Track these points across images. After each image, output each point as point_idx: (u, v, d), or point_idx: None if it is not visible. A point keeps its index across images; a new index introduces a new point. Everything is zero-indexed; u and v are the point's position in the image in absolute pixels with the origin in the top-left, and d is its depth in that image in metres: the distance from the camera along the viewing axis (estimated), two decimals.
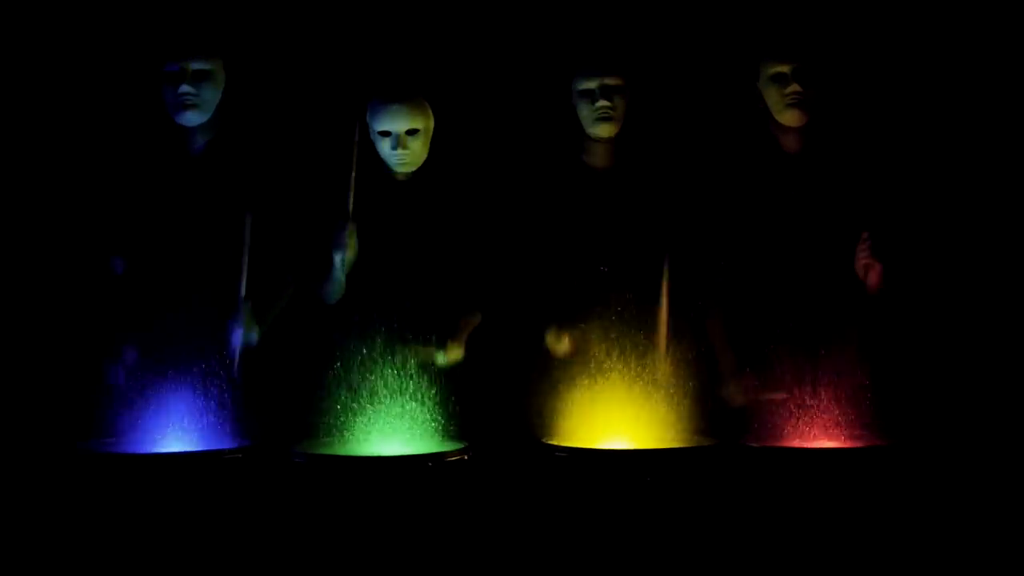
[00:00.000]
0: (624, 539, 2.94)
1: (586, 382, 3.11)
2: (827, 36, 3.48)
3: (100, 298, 3.26)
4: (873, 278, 3.20)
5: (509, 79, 3.78)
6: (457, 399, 3.13)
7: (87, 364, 3.20)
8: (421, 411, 3.08)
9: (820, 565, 2.94)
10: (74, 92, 3.66)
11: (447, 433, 3.10)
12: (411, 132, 3.30)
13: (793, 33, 3.35)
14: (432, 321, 3.26)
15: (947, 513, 3.15)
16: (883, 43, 3.72)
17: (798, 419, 3.08)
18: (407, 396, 3.08)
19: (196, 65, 3.22)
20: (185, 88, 3.21)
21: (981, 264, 3.62)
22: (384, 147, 3.32)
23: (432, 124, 3.36)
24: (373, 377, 3.09)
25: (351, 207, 3.17)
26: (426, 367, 3.13)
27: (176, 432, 3.02)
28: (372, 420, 3.06)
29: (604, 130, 3.34)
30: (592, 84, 3.33)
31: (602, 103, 3.31)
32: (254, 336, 3.18)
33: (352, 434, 3.06)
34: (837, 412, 3.06)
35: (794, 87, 3.26)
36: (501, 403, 3.35)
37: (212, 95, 3.27)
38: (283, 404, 3.25)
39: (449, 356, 3.25)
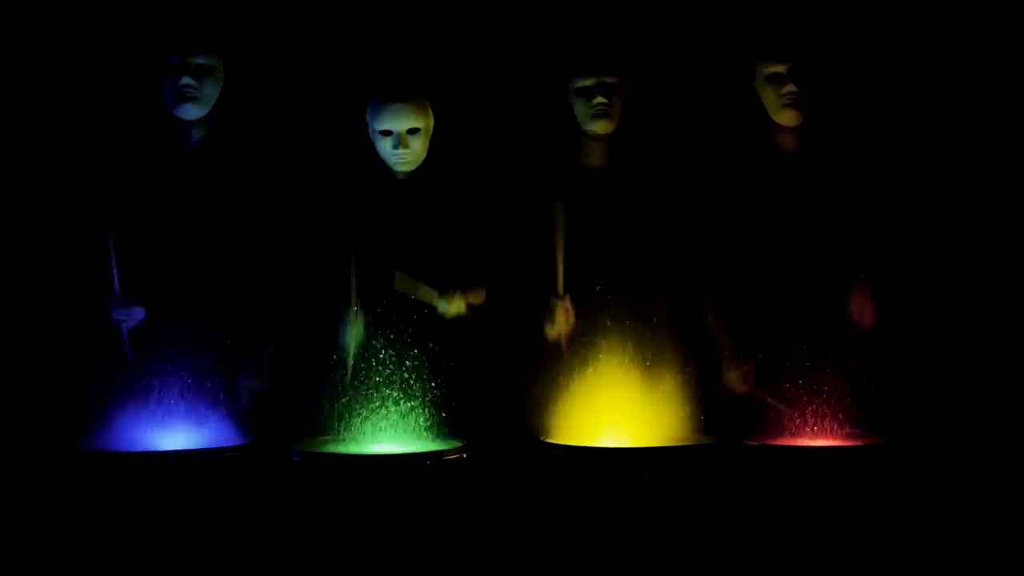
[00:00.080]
0: (622, 537, 2.94)
1: (584, 380, 3.11)
2: (823, 36, 3.47)
3: (97, 294, 3.27)
4: (867, 320, 3.20)
5: (507, 79, 3.78)
6: (455, 398, 3.14)
7: (86, 362, 3.22)
8: (420, 410, 3.08)
9: (819, 564, 2.94)
10: (72, 86, 3.67)
11: (446, 432, 3.11)
12: (412, 131, 3.31)
13: (789, 33, 3.35)
14: (431, 319, 3.26)
15: (946, 511, 3.14)
16: (879, 42, 3.71)
17: (797, 418, 3.09)
18: (406, 395, 3.08)
19: (198, 60, 3.25)
20: (187, 80, 3.22)
21: (978, 263, 3.62)
22: (384, 146, 3.33)
23: (432, 123, 3.37)
24: (372, 376, 3.10)
25: (353, 300, 3.19)
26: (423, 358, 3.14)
27: (175, 430, 3.03)
28: (371, 419, 3.07)
29: (601, 127, 3.35)
30: (589, 82, 3.33)
31: (599, 99, 3.32)
32: (265, 387, 3.25)
33: (351, 433, 3.07)
34: (835, 410, 3.06)
35: (790, 87, 3.26)
36: (499, 402, 3.35)
37: (212, 90, 3.28)
38: (282, 402, 3.26)
39: (449, 305, 3.24)
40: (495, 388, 3.38)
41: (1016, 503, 3.27)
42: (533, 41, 3.77)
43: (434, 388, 3.09)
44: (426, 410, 3.08)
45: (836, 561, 2.94)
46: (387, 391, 3.08)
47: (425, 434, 3.07)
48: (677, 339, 3.21)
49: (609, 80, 3.33)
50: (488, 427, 3.23)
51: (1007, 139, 3.62)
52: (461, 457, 3.00)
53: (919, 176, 3.58)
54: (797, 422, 3.08)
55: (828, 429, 3.06)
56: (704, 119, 3.69)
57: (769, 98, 3.30)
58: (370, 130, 3.35)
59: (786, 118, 3.30)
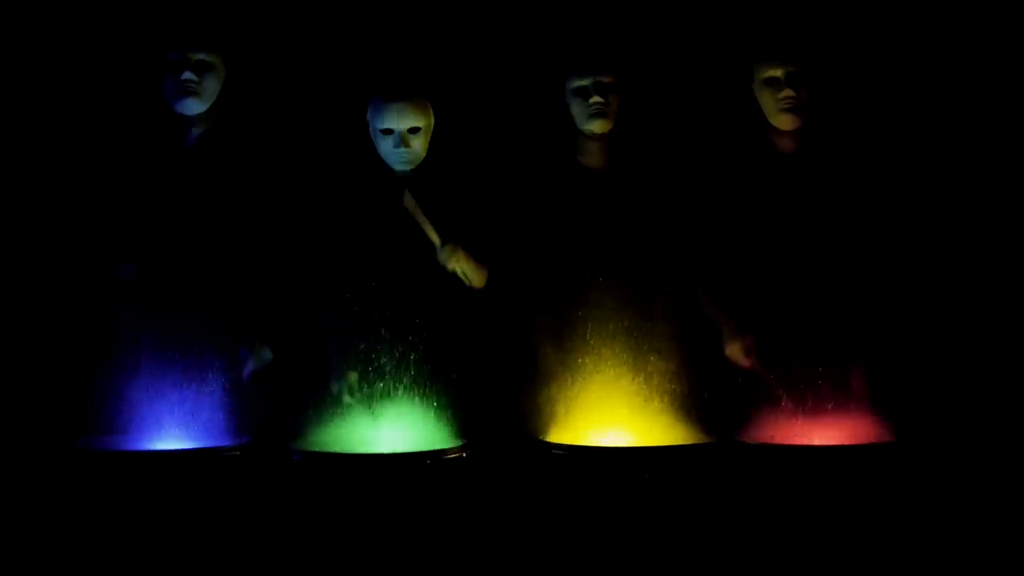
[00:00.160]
0: (622, 536, 2.94)
1: (583, 379, 3.11)
2: (820, 39, 3.46)
3: (97, 292, 3.28)
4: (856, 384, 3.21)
5: (505, 79, 3.78)
6: (455, 397, 3.14)
7: (85, 360, 3.22)
8: (420, 409, 3.08)
9: (819, 563, 2.94)
10: (72, 83, 3.67)
11: (445, 431, 3.11)
12: (413, 130, 3.31)
13: (786, 37, 3.34)
14: (431, 316, 3.26)
15: (946, 511, 3.14)
16: (877, 45, 3.71)
17: (796, 417, 3.08)
18: (406, 394, 3.08)
19: (199, 55, 3.25)
20: (188, 75, 3.23)
21: (978, 265, 3.61)
22: (385, 145, 3.33)
23: (432, 122, 3.37)
24: (372, 375, 3.10)
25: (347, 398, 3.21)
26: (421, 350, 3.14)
27: (174, 429, 3.03)
28: (371, 418, 3.07)
29: (598, 126, 3.35)
30: (585, 81, 3.34)
31: (595, 99, 3.32)
32: (268, 354, 3.24)
33: (350, 432, 3.07)
34: (835, 410, 3.06)
35: (787, 92, 3.26)
36: (499, 401, 3.35)
37: (212, 85, 3.29)
38: (281, 401, 3.26)
39: (449, 256, 3.23)
40: (495, 387, 3.38)
41: (1016, 503, 3.27)
42: (531, 41, 3.77)
43: (434, 388, 3.09)
44: (426, 409, 3.08)
45: (836, 561, 2.93)
46: (387, 390, 3.08)
47: (425, 433, 3.08)
48: (676, 337, 3.20)
49: (605, 80, 3.33)
50: (488, 426, 3.22)
51: (1006, 141, 3.62)
52: (461, 456, 3.00)
53: (917, 178, 3.57)
54: (793, 405, 3.09)
55: (829, 428, 3.06)
56: (702, 120, 3.69)
57: (767, 101, 3.30)
58: (371, 129, 3.35)
59: (783, 122, 3.30)
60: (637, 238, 3.34)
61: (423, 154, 3.36)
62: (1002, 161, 3.62)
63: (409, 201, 3.26)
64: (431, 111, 3.36)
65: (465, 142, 3.59)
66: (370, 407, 3.09)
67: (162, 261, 3.24)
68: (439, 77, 3.60)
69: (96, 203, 3.31)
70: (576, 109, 3.37)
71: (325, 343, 3.31)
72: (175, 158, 3.32)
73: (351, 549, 2.91)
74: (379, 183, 3.37)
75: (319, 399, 3.16)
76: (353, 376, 3.21)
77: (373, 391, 3.10)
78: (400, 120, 3.29)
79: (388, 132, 3.31)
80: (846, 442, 3.02)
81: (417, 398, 3.08)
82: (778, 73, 3.27)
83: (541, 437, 3.09)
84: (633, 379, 3.12)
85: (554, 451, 3.02)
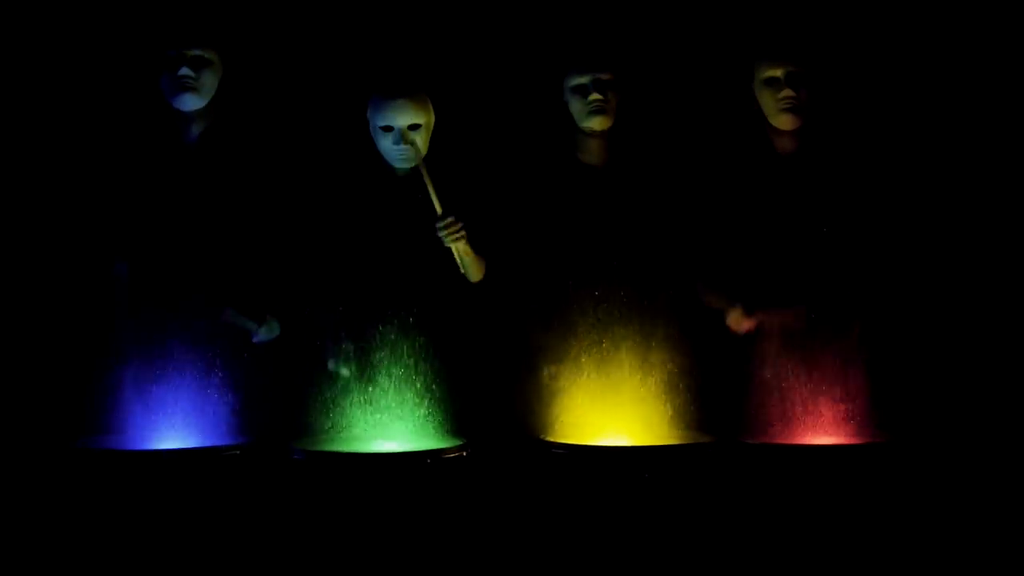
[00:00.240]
0: (622, 536, 2.95)
1: (583, 378, 3.11)
2: (820, 39, 3.46)
3: (96, 290, 3.27)
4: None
5: (505, 76, 3.77)
6: (455, 396, 3.14)
7: (84, 360, 3.22)
8: (420, 408, 3.08)
9: (819, 563, 2.94)
10: (71, 82, 3.66)
11: (446, 430, 3.11)
12: (413, 127, 3.30)
13: (786, 37, 3.34)
14: (430, 311, 3.26)
15: (946, 510, 3.15)
16: (877, 45, 3.70)
17: (796, 415, 3.09)
18: (406, 393, 3.08)
19: (195, 52, 3.25)
20: (185, 71, 3.23)
21: (977, 264, 3.61)
22: (385, 142, 3.32)
23: (433, 119, 3.36)
24: (372, 373, 3.10)
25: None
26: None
27: (174, 428, 3.03)
28: (371, 417, 3.07)
29: (597, 123, 3.34)
30: (584, 79, 3.34)
31: (594, 96, 3.32)
32: (276, 327, 3.25)
33: (351, 431, 3.07)
34: (834, 409, 3.06)
35: (787, 92, 3.26)
36: (499, 400, 3.35)
37: (210, 81, 3.29)
38: (282, 400, 3.26)
39: (448, 227, 3.21)
40: (495, 386, 3.38)
41: (1016, 503, 3.27)
42: (531, 38, 3.76)
43: (435, 387, 3.09)
44: (426, 408, 3.08)
45: (836, 560, 2.94)
46: (387, 389, 3.08)
47: (425, 432, 3.08)
48: (676, 335, 3.20)
49: (604, 77, 3.33)
50: (488, 425, 3.23)
51: (1005, 141, 3.62)
52: (461, 455, 3.00)
53: (917, 178, 3.57)
54: (795, 414, 3.09)
55: (828, 428, 3.07)
56: (702, 119, 3.68)
57: (767, 101, 3.30)
58: (371, 126, 3.35)
59: (783, 122, 3.30)
60: (636, 236, 3.35)
61: (423, 151, 3.36)
62: (1002, 160, 3.62)
63: (423, 166, 3.24)
64: (431, 108, 3.35)
65: (465, 139, 3.58)
66: (365, 386, 3.08)
67: (163, 258, 3.23)
68: (439, 74, 3.60)
69: (97, 201, 3.31)
70: (575, 106, 3.37)
71: (322, 339, 3.31)
72: (175, 155, 3.32)
73: (352, 548, 2.91)
74: (379, 180, 3.37)
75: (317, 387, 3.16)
76: (348, 351, 3.21)
77: (368, 374, 3.10)
78: (400, 117, 3.29)
79: (388, 129, 3.31)
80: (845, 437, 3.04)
81: (414, 394, 3.09)
82: (778, 73, 3.27)
83: (541, 436, 3.09)
84: (633, 376, 3.12)
85: (554, 450, 3.02)
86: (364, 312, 3.23)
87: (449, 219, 3.21)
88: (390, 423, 3.08)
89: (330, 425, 3.11)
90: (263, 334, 3.25)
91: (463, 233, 3.23)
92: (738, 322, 3.25)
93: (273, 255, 3.31)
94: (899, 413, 3.14)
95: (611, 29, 3.63)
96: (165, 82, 3.27)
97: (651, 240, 3.34)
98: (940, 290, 3.58)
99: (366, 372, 3.12)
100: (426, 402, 3.10)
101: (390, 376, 3.10)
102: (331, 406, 3.11)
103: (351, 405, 3.10)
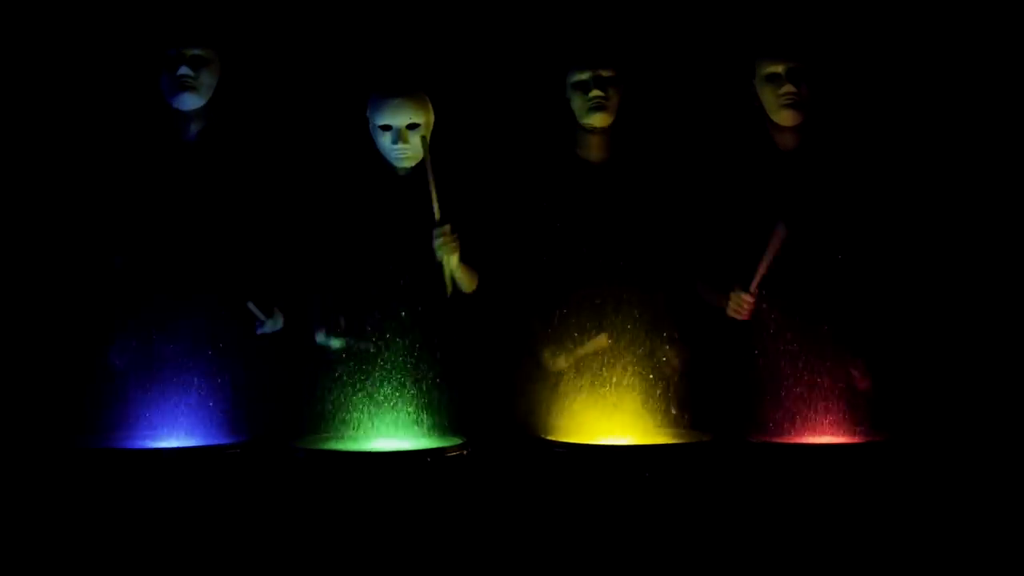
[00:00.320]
0: (622, 535, 2.94)
1: (584, 377, 3.11)
2: (821, 35, 3.46)
3: (95, 289, 3.27)
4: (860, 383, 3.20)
5: (506, 73, 3.78)
6: (456, 395, 3.14)
7: (84, 359, 3.22)
8: (420, 407, 3.08)
9: (819, 562, 2.94)
10: (70, 81, 3.66)
11: (446, 429, 3.11)
12: (412, 126, 3.30)
13: (787, 33, 3.34)
14: (429, 310, 3.25)
15: (946, 509, 3.14)
16: (879, 42, 3.71)
17: (796, 414, 3.09)
18: (406, 392, 3.08)
19: (194, 51, 3.26)
20: (184, 70, 3.23)
21: (977, 262, 3.61)
22: (384, 141, 3.32)
23: (432, 118, 3.36)
24: (372, 372, 3.10)
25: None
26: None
27: (175, 427, 3.03)
28: (371, 416, 3.07)
29: (598, 119, 3.34)
30: (585, 75, 3.34)
31: (595, 92, 3.32)
32: (280, 320, 3.25)
33: (351, 429, 3.07)
34: (835, 407, 3.06)
35: (788, 88, 3.25)
36: (500, 399, 3.35)
37: (209, 80, 3.29)
38: (282, 399, 3.26)
39: (442, 236, 3.17)
40: (495, 385, 3.38)
41: (1016, 503, 3.27)
42: (531, 35, 3.76)
43: (435, 386, 3.09)
44: (427, 407, 3.08)
45: (836, 559, 2.94)
46: (387, 388, 3.08)
47: (426, 431, 3.07)
48: (677, 332, 3.20)
49: (605, 73, 3.33)
50: (489, 424, 3.23)
51: (1006, 138, 3.62)
52: (462, 454, 3.00)
53: (917, 175, 3.57)
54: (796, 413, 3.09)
55: (829, 426, 3.07)
56: (703, 115, 3.69)
57: (768, 98, 3.30)
58: (370, 125, 3.35)
59: (784, 118, 3.30)
60: (637, 232, 3.34)
61: (423, 151, 3.35)
62: (1002, 158, 3.62)
63: (429, 168, 3.23)
64: (431, 107, 3.35)
65: (466, 136, 3.58)
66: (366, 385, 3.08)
67: (163, 257, 3.23)
68: (439, 71, 3.60)
69: (96, 201, 3.31)
70: (576, 103, 3.37)
71: (315, 318, 3.31)
72: (174, 154, 3.32)
73: (353, 547, 2.91)
74: (378, 179, 3.37)
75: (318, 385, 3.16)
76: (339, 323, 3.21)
77: (369, 373, 3.11)
78: (398, 116, 3.29)
79: (387, 128, 3.31)
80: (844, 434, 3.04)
81: (415, 393, 3.09)
82: (779, 69, 3.27)
83: (542, 435, 3.09)
84: (633, 374, 3.12)
85: (555, 449, 3.02)
86: (363, 311, 3.23)
87: (445, 228, 3.19)
88: (391, 422, 3.07)
89: (330, 425, 3.10)
90: (268, 326, 3.25)
91: (457, 245, 3.21)
92: (739, 304, 3.19)
93: (272, 253, 3.31)
94: (901, 411, 3.14)
95: (612, 25, 3.63)
96: (164, 81, 3.28)
97: (651, 237, 3.35)
98: (940, 288, 3.58)
99: (366, 372, 3.12)
100: (427, 401, 3.09)
101: (390, 375, 3.09)
102: (332, 404, 3.10)
103: (352, 404, 3.10)
